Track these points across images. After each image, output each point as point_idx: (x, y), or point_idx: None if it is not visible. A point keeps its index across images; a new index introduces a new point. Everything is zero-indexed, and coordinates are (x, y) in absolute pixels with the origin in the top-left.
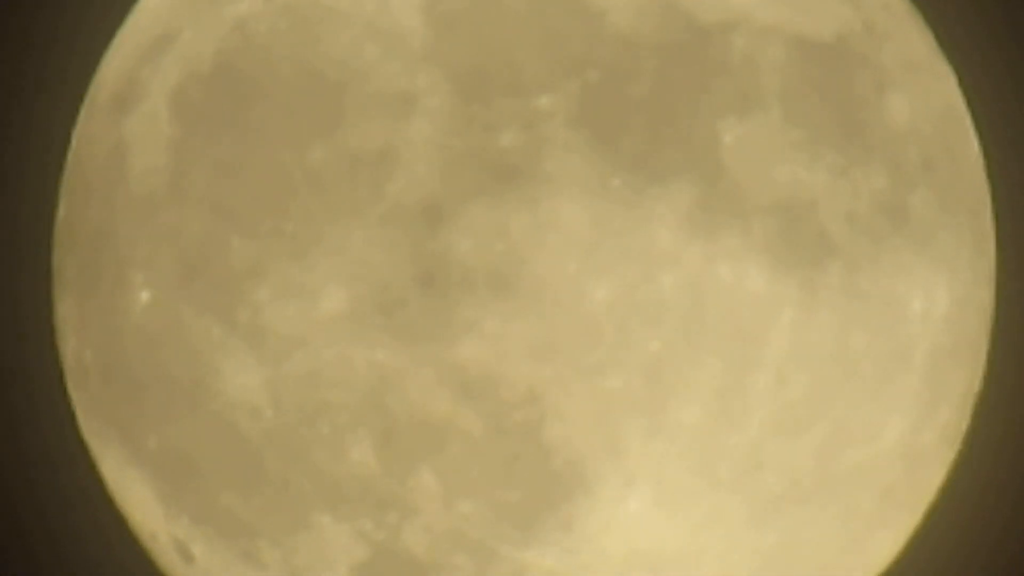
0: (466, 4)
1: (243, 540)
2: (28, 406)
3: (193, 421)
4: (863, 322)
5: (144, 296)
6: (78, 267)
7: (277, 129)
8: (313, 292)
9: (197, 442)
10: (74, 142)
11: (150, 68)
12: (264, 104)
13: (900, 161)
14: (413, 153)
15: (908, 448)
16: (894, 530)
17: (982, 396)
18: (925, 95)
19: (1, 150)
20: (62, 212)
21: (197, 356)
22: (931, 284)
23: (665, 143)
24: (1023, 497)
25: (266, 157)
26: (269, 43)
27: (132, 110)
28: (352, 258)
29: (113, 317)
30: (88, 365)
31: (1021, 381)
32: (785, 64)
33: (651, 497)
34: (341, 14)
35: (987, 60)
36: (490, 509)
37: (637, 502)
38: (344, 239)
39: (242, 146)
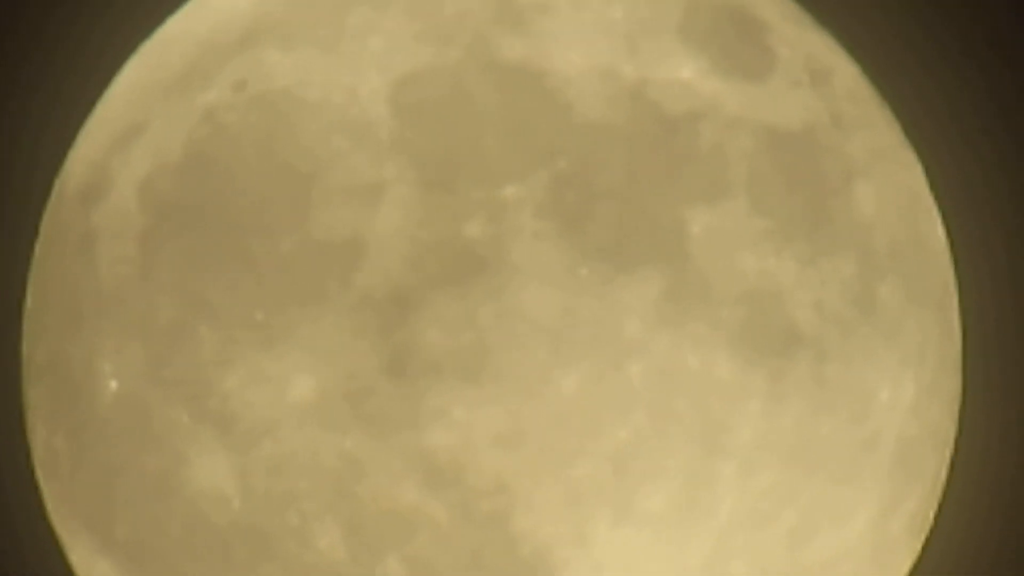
0: (433, 93)
1: None
2: None
3: (161, 509)
4: (831, 411)
5: (113, 385)
6: (47, 356)
7: (246, 219)
8: (281, 381)
9: (165, 531)
10: (43, 232)
11: (119, 158)
12: (233, 194)
13: (867, 250)
14: (381, 243)
15: (876, 537)
16: None
17: (949, 485)
18: (892, 184)
19: None
20: (31, 301)
21: (166, 444)
22: (898, 373)
23: (633, 232)
24: None
25: (235, 247)
26: (238, 133)
27: (101, 200)
28: (320, 347)
29: (82, 406)
30: (58, 454)
31: (988, 470)
32: (753, 154)
33: None
34: (310, 104)
35: (953, 150)
36: None
37: None
38: (313, 328)
39: (211, 236)
